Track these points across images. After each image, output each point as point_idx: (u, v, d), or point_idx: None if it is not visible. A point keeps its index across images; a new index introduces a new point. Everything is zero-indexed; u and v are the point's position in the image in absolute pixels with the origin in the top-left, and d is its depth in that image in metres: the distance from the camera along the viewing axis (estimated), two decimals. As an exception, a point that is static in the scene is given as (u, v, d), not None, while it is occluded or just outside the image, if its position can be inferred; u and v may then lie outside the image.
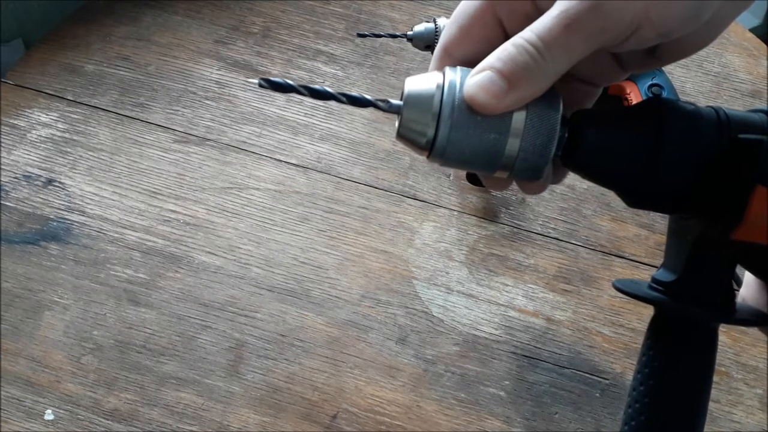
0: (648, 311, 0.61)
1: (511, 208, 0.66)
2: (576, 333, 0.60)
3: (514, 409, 0.56)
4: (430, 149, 0.31)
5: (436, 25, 0.67)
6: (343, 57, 0.76)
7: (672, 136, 0.30)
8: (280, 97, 0.72)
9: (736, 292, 0.34)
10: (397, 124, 0.31)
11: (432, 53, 0.69)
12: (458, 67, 0.31)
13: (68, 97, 0.71)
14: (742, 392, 0.57)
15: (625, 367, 0.58)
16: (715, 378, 0.57)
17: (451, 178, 0.68)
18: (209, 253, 0.62)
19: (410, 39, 0.69)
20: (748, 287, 0.35)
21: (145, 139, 0.69)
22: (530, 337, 0.59)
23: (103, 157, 0.67)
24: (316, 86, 0.31)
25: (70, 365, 0.56)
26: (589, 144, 0.31)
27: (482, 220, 0.65)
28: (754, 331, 0.60)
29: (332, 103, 0.73)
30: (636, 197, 0.32)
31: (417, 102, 0.30)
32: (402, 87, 0.31)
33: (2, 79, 0.72)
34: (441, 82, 0.30)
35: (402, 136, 0.31)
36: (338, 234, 0.64)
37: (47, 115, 0.70)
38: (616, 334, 0.60)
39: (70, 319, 0.58)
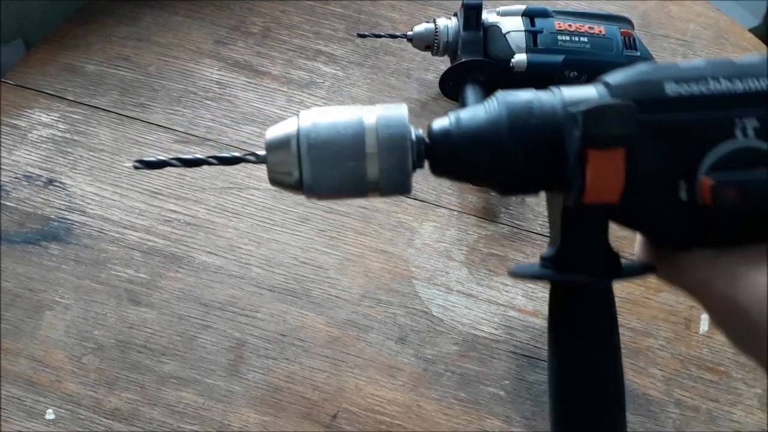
0: (647, 311, 0.62)
1: (511, 208, 0.66)
2: (576, 333, 0.60)
3: (514, 409, 0.56)
4: (302, 187, 0.33)
5: (436, 25, 0.68)
6: (343, 57, 0.76)
7: (510, 128, 0.32)
8: (280, 98, 0.72)
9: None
10: (268, 172, 0.34)
11: (432, 53, 0.69)
12: (312, 108, 0.33)
13: (69, 98, 0.71)
14: (741, 392, 0.57)
15: (624, 367, 0.58)
16: (715, 377, 0.58)
17: (451, 178, 0.68)
18: (210, 253, 0.62)
19: (410, 39, 0.69)
20: (638, 244, 0.37)
21: (146, 139, 0.69)
22: (530, 336, 0.59)
23: (103, 157, 0.67)
24: (187, 156, 0.34)
25: (71, 365, 0.56)
26: (445, 151, 0.33)
27: (482, 220, 0.65)
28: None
29: (332, 103, 0.74)
30: (500, 188, 0.34)
31: (278, 148, 0.33)
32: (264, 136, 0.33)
33: (2, 79, 0.72)
34: (296, 125, 0.33)
35: (273, 180, 0.34)
36: (338, 234, 0.64)
37: (48, 115, 0.70)
38: (615, 333, 0.60)
39: (70, 318, 0.58)
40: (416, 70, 0.75)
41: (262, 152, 0.34)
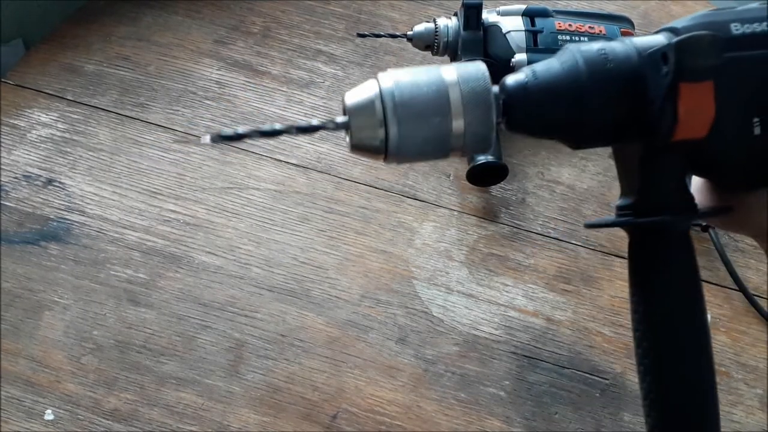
0: (648, 311, 0.61)
1: (511, 208, 0.66)
2: (576, 333, 0.60)
3: (514, 409, 0.56)
4: (386, 150, 0.32)
5: (436, 25, 0.67)
6: (343, 57, 0.76)
7: (588, 78, 0.32)
8: (279, 97, 0.72)
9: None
10: (348, 138, 0.33)
11: (432, 53, 0.69)
12: (389, 70, 0.33)
13: (68, 97, 0.71)
14: (742, 392, 0.57)
15: (625, 367, 0.58)
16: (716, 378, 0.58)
17: (451, 178, 0.68)
18: (209, 253, 0.62)
19: (410, 39, 0.69)
20: (697, 192, 0.37)
21: (145, 139, 0.69)
22: (530, 337, 0.59)
23: (103, 157, 0.67)
24: (265, 127, 0.33)
25: (70, 365, 0.56)
26: (523, 104, 0.33)
27: (482, 220, 0.65)
28: (753, 331, 0.60)
29: (332, 103, 0.74)
30: (576, 140, 0.34)
31: (361, 111, 0.32)
32: (342, 103, 0.33)
33: (2, 79, 0.72)
34: (377, 86, 0.32)
35: (356, 146, 0.33)
36: (338, 234, 0.64)
37: (47, 115, 0.70)
38: (616, 334, 0.60)
39: (70, 319, 0.58)
40: (416, 70, 0.75)
41: (341, 118, 0.33)
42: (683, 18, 0.34)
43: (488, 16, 0.67)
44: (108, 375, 0.56)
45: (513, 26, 0.66)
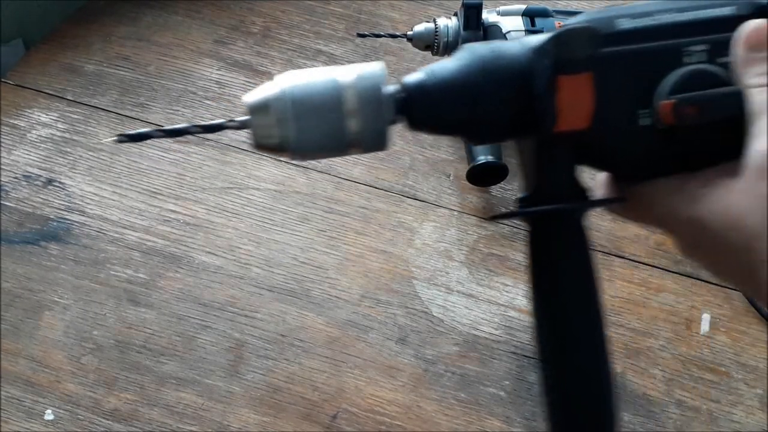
0: (648, 311, 0.62)
1: (511, 208, 0.66)
2: (576, 333, 0.60)
3: (514, 409, 0.56)
4: (288, 147, 0.34)
5: (436, 25, 0.67)
6: (343, 57, 0.76)
7: (481, 76, 0.33)
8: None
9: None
10: (251, 136, 0.34)
11: (432, 53, 0.69)
12: (288, 71, 0.34)
13: (68, 97, 0.71)
14: (742, 392, 0.57)
15: (625, 367, 0.58)
16: (715, 378, 0.57)
17: (451, 178, 0.68)
18: (209, 253, 0.62)
19: (410, 39, 0.69)
20: (601, 185, 0.38)
21: (145, 139, 0.69)
22: (530, 337, 0.59)
23: (103, 157, 0.67)
24: (169, 126, 0.34)
25: (70, 365, 0.56)
26: (421, 103, 0.34)
27: (482, 220, 0.65)
28: (753, 331, 0.60)
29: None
30: (476, 137, 0.36)
31: (261, 109, 0.33)
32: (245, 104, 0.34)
33: (2, 79, 0.72)
34: (275, 86, 0.34)
35: (258, 144, 0.34)
36: (338, 234, 0.64)
37: (47, 115, 0.70)
38: (616, 334, 0.60)
39: (70, 319, 0.58)
40: (416, 71, 0.75)
41: (242, 117, 0.34)
42: (576, 17, 0.35)
43: (488, 16, 0.67)
44: (108, 375, 0.56)
45: (513, 26, 0.66)
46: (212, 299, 0.60)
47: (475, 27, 0.66)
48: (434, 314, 0.60)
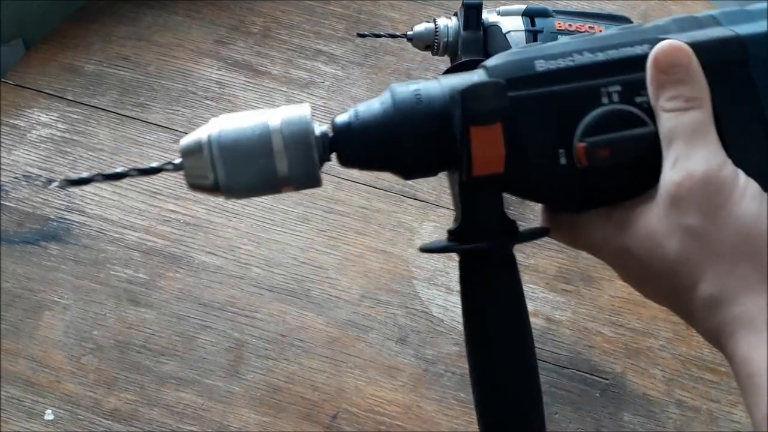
0: (648, 311, 0.62)
1: (511, 208, 0.66)
2: (576, 333, 0.60)
3: (514, 409, 0.56)
4: (219, 188, 0.35)
5: (436, 25, 0.67)
6: (343, 57, 0.76)
7: (399, 118, 0.35)
8: (279, 97, 0.72)
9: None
10: (185, 178, 0.36)
11: (432, 53, 0.69)
12: (221, 115, 0.35)
13: (68, 97, 0.71)
14: (742, 392, 0.57)
15: (625, 367, 0.58)
16: (715, 378, 0.57)
17: (451, 178, 0.68)
18: (209, 253, 0.62)
19: (410, 39, 0.69)
20: (540, 212, 0.40)
21: (145, 139, 0.69)
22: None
23: (103, 157, 0.67)
24: (108, 171, 0.36)
25: (70, 365, 0.56)
26: (347, 143, 0.36)
27: (482, 220, 0.65)
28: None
29: (332, 103, 0.74)
30: (402, 173, 0.37)
31: (191, 153, 0.35)
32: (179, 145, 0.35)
33: (2, 79, 0.72)
34: (206, 130, 0.35)
35: (192, 185, 0.36)
36: (338, 234, 0.64)
37: (47, 115, 0.70)
38: (616, 334, 0.60)
39: (70, 319, 0.58)
40: (416, 70, 0.75)
41: (178, 160, 0.35)
42: (497, 56, 0.36)
43: (488, 16, 0.67)
44: (108, 375, 0.56)
45: (513, 26, 0.65)
46: (212, 299, 0.60)
47: (475, 27, 0.66)
48: (434, 314, 0.60)
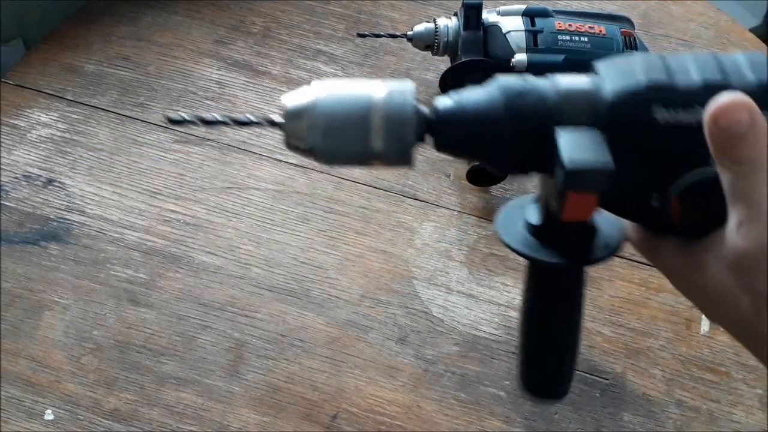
0: (648, 311, 0.61)
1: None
2: (576, 333, 0.59)
3: (514, 409, 0.56)
4: (314, 152, 0.36)
5: (436, 25, 0.67)
6: (343, 57, 0.76)
7: (506, 109, 0.34)
8: (279, 97, 0.72)
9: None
10: (283, 137, 0.36)
11: (432, 53, 0.69)
12: (326, 80, 0.35)
13: (68, 97, 0.71)
14: (742, 392, 0.57)
15: (625, 367, 0.58)
16: (715, 378, 0.57)
17: (451, 178, 0.68)
18: (209, 253, 0.62)
19: (410, 39, 0.69)
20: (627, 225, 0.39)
21: (145, 139, 0.69)
22: (530, 337, 0.59)
23: (103, 157, 0.67)
24: (207, 116, 0.37)
25: (70, 365, 0.56)
26: (447, 129, 0.35)
27: (482, 220, 0.65)
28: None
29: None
30: (497, 167, 0.36)
31: (292, 116, 0.35)
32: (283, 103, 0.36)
33: (2, 79, 0.72)
34: (309, 95, 0.35)
35: (288, 145, 0.36)
36: (338, 234, 0.64)
37: (47, 115, 0.70)
38: (616, 334, 0.60)
39: (70, 319, 0.58)
40: (416, 70, 0.75)
41: (279, 118, 0.36)
42: (612, 68, 0.34)
43: (488, 16, 0.67)
44: (108, 375, 0.56)
45: (513, 26, 0.66)
46: (212, 299, 0.60)
47: (475, 27, 0.66)
48: (434, 314, 0.60)
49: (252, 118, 0.37)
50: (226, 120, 0.37)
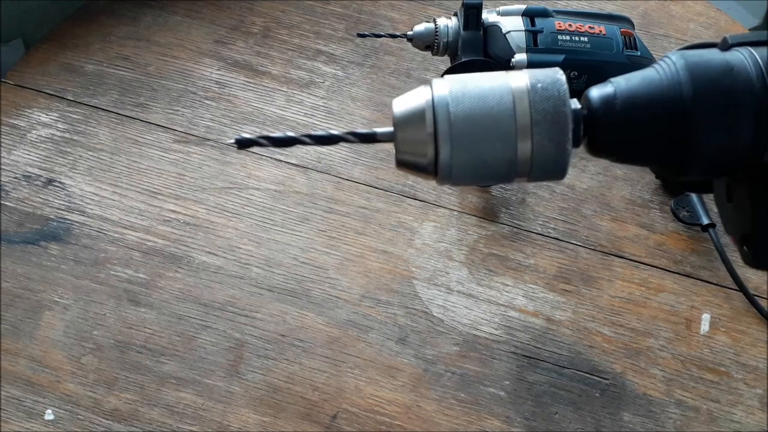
0: (648, 311, 0.61)
1: (511, 208, 0.66)
2: (576, 333, 0.60)
3: (514, 409, 0.56)
4: (436, 171, 0.27)
5: (436, 25, 0.67)
6: (343, 57, 0.76)
7: (695, 90, 0.26)
8: (279, 97, 0.72)
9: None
10: (394, 151, 0.28)
11: (432, 53, 0.69)
12: (446, 77, 0.28)
13: (68, 97, 0.71)
14: (742, 392, 0.57)
15: (625, 367, 0.58)
16: (715, 378, 0.57)
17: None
18: (209, 253, 0.62)
19: (410, 39, 0.69)
20: None
21: (145, 139, 0.69)
22: (530, 337, 0.59)
23: (103, 157, 0.67)
24: (320, 132, 0.29)
25: (70, 365, 0.56)
26: (609, 122, 0.27)
27: (482, 220, 0.65)
28: (753, 331, 0.60)
29: (332, 103, 0.74)
30: (678, 170, 0.28)
31: (409, 122, 0.27)
32: (391, 108, 0.28)
33: (2, 79, 0.72)
34: (430, 95, 0.27)
35: (402, 162, 0.28)
36: (338, 234, 0.64)
37: (47, 115, 0.70)
38: (616, 334, 0.60)
39: (70, 319, 0.58)
40: (416, 70, 0.75)
41: (386, 128, 0.28)
42: None
43: (488, 16, 0.67)
44: (108, 375, 0.56)
45: (513, 26, 0.65)
46: (212, 299, 0.60)
47: (475, 27, 0.66)
48: (434, 314, 0.60)
49: (336, 133, 0.29)
50: (303, 139, 0.29)
